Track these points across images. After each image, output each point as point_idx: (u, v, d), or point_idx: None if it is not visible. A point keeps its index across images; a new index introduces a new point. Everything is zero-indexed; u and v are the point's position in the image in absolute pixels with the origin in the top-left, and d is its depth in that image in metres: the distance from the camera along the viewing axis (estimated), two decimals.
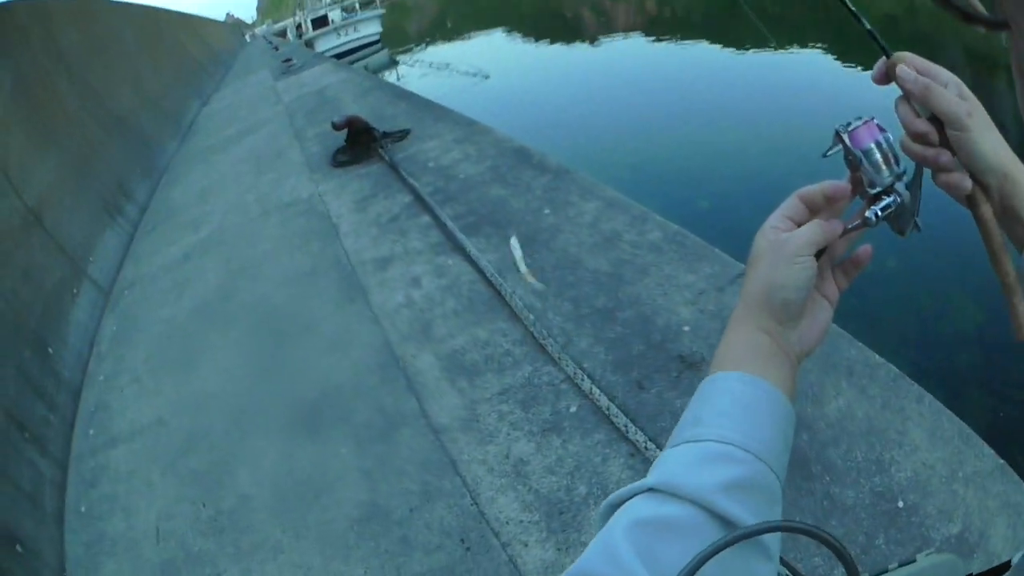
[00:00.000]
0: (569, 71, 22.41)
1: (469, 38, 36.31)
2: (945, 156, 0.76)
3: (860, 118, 0.80)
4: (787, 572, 0.89)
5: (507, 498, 3.16)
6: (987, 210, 0.77)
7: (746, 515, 0.62)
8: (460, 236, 5.40)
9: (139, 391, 4.96)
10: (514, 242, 5.01)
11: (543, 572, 2.81)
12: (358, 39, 41.37)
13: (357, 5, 48.54)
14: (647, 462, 3.06)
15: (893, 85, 0.80)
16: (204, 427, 4.29)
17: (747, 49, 19.43)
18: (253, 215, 7.87)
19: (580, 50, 28.39)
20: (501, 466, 3.35)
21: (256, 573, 3.23)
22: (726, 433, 0.68)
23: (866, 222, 0.80)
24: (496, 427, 3.58)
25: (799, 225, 0.79)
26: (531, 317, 4.20)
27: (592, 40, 30.47)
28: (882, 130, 0.79)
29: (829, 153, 0.82)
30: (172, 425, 4.43)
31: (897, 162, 0.79)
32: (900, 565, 0.98)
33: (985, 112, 0.77)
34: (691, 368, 3.58)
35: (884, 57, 0.80)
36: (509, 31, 36.54)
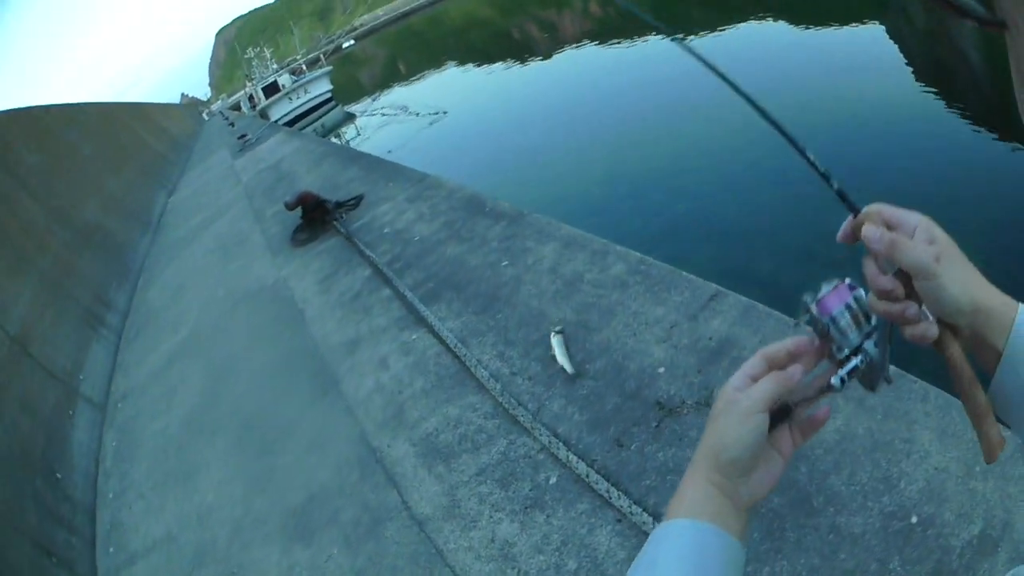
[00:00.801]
0: (521, 89, 22.45)
1: (424, 78, 36.42)
2: (912, 309, 0.77)
3: (832, 282, 0.81)
4: None
5: None
6: (955, 351, 0.78)
7: None
8: (421, 308, 5.26)
9: (147, 507, 4.92)
10: (555, 342, 4.30)
11: None
12: (310, 100, 41.39)
13: (304, 66, 48.67)
14: (635, 527, 2.92)
15: None
16: (209, 540, 4.23)
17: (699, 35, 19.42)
18: (225, 308, 7.84)
19: (530, 68, 28.46)
20: (488, 551, 3.19)
21: None
22: None
23: (831, 388, 0.80)
24: (478, 510, 3.42)
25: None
26: (498, 387, 4.03)
27: (544, 56, 30.60)
28: (853, 288, 0.80)
29: (799, 322, 0.83)
30: (181, 540, 4.39)
31: (868, 319, 0.80)
32: None
33: (955, 247, 0.78)
34: (671, 415, 3.41)
35: (851, 215, 0.82)
36: (462, 63, 36.66)
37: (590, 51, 26.82)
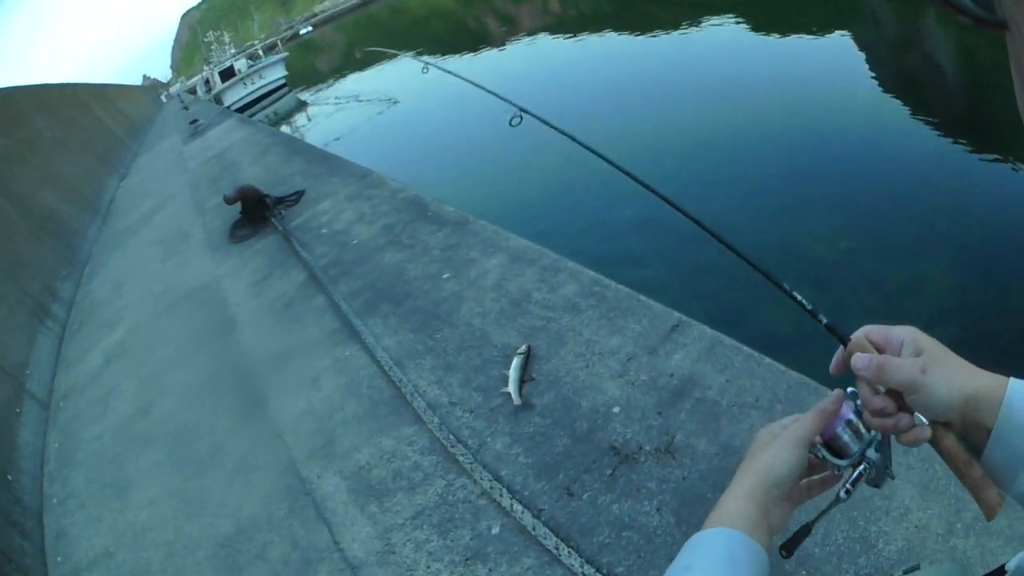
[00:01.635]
0: (476, 79, 21.70)
1: (379, 67, 35.43)
2: (904, 420, 0.79)
3: (830, 395, 0.88)
4: None
5: None
6: (948, 443, 0.79)
7: None
8: (356, 322, 4.68)
9: (87, 518, 4.42)
10: (515, 363, 3.67)
11: None
12: (264, 86, 40.10)
13: (261, 52, 47.31)
14: None
15: None
16: (144, 562, 3.81)
17: (655, 34, 18.94)
18: (161, 308, 7.22)
19: (485, 58, 27.92)
20: None
21: None
22: None
23: (839, 500, 0.84)
24: (415, 559, 2.99)
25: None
26: (436, 419, 3.51)
27: (498, 45, 30.08)
28: (850, 401, 0.86)
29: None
30: (119, 558, 3.96)
31: (868, 429, 0.85)
32: (904, 573, 0.95)
33: (941, 348, 0.81)
34: (627, 462, 2.95)
35: (841, 347, 0.85)
36: (419, 54, 35.79)
37: (548, 43, 26.36)
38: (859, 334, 0.84)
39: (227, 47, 51.11)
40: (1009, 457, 0.75)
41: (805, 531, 0.87)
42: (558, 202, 9.76)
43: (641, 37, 19.77)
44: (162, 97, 55.00)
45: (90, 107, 22.16)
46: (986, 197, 6.53)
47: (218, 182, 11.08)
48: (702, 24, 18.14)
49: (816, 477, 0.88)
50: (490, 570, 2.77)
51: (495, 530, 2.93)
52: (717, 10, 18.43)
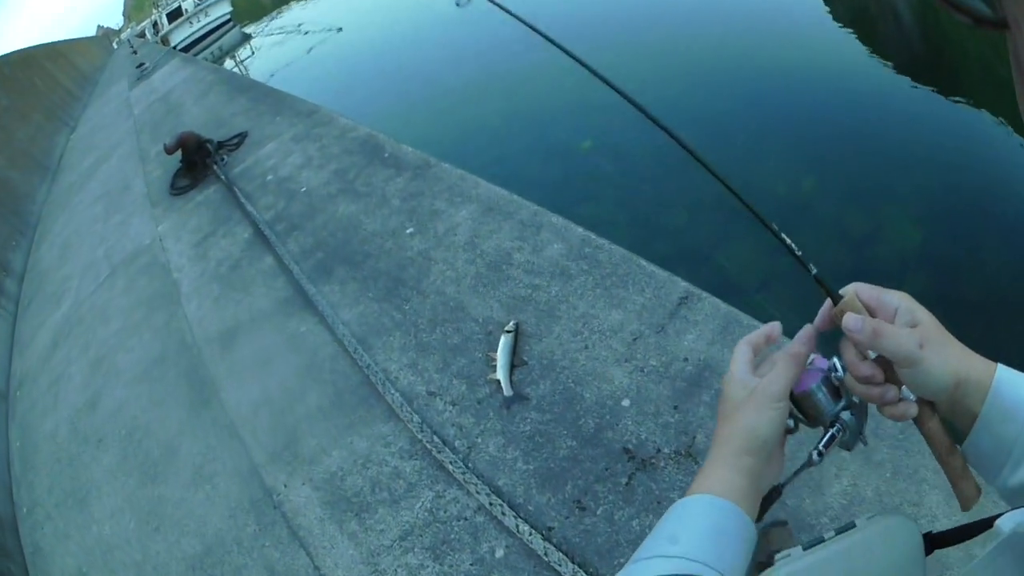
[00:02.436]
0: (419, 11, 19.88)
1: None
2: (891, 392, 0.70)
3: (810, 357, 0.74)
4: None
5: None
6: (933, 425, 0.71)
7: None
8: (310, 288, 3.86)
9: (55, 531, 3.84)
10: (503, 344, 2.92)
11: None
12: (209, 23, 38.07)
13: None
14: None
15: None
16: None
17: None
18: (102, 276, 6.23)
19: None
20: None
21: None
22: (700, 554, 0.63)
23: (810, 462, 0.75)
24: None
25: (754, 364, 0.76)
26: (415, 417, 2.79)
27: None
28: (823, 363, 0.74)
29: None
30: None
31: (842, 390, 0.74)
32: (838, 532, 0.75)
33: (936, 324, 0.70)
34: (644, 468, 2.28)
35: (828, 300, 0.73)
36: None
37: None
38: (850, 290, 0.72)
39: None
40: (995, 445, 0.67)
41: (776, 493, 0.76)
42: (520, 112, 8.77)
43: None
44: (114, 44, 51.82)
45: (44, 67, 20.33)
46: (948, 138, 5.84)
47: (160, 127, 9.90)
48: None
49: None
50: None
51: (499, 553, 2.29)
52: None
